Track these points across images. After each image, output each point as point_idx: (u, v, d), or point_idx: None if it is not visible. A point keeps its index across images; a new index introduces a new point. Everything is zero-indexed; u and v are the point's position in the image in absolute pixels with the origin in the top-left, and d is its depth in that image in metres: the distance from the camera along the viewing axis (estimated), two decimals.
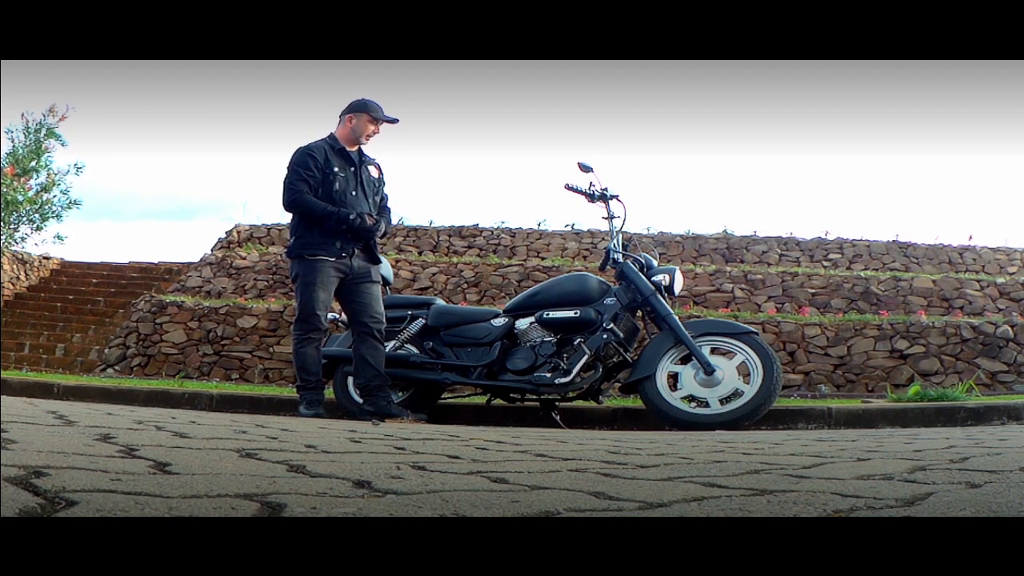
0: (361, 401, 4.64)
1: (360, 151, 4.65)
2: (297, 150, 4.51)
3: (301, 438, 2.32)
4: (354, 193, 4.51)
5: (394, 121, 4.63)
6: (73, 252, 17.98)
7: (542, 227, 12.67)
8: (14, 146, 12.94)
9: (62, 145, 13.39)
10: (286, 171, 4.49)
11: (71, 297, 11.59)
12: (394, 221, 4.88)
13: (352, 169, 4.56)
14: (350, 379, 4.94)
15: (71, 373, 8.67)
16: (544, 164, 30.48)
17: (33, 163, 12.99)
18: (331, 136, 4.60)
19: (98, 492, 1.12)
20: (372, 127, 4.56)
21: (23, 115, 13.21)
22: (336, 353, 4.90)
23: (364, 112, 4.55)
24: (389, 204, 4.81)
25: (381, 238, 4.70)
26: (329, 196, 4.43)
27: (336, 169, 4.48)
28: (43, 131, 13.22)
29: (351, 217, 4.39)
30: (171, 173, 31.65)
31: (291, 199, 4.44)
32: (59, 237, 13.22)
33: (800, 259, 11.92)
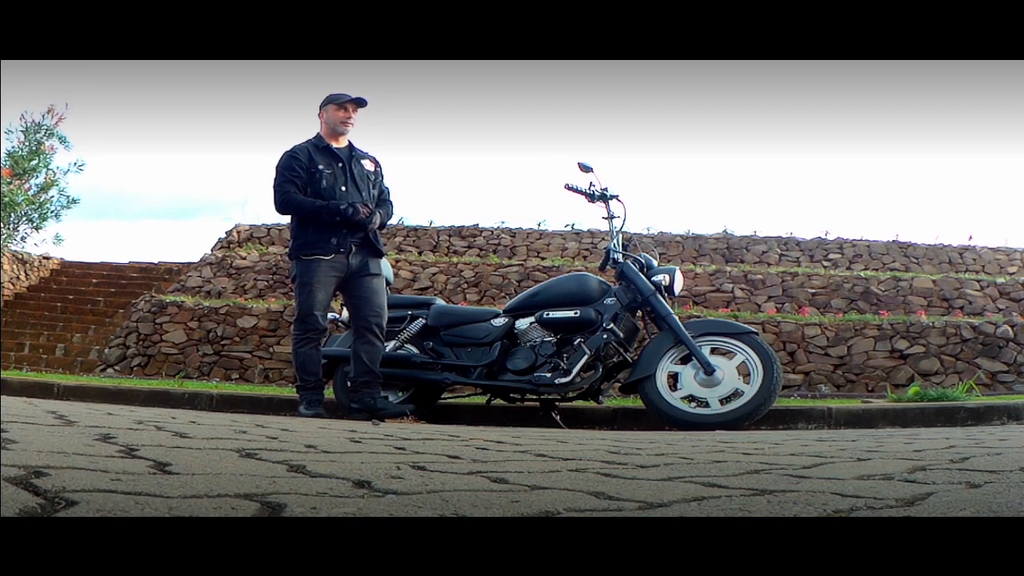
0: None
1: (351, 147, 4.67)
2: (282, 154, 4.57)
3: (301, 438, 2.32)
4: (343, 188, 4.50)
5: (360, 101, 4.62)
6: (74, 252, 17.98)
7: (542, 227, 12.67)
8: (13, 147, 12.95)
9: (65, 148, 13.42)
10: (274, 176, 4.57)
11: (71, 297, 11.60)
12: (394, 221, 4.86)
13: (340, 165, 4.57)
14: None
15: (71, 373, 8.67)
16: (544, 164, 30.49)
17: (33, 163, 13.00)
18: (316, 136, 4.65)
19: (98, 492, 1.12)
20: (341, 113, 4.58)
21: (22, 116, 13.23)
22: (336, 353, 4.89)
23: (329, 103, 4.61)
24: (391, 198, 4.81)
25: (380, 229, 4.70)
26: (318, 193, 4.47)
27: (321, 167, 4.50)
28: (43, 132, 13.22)
29: (342, 207, 4.40)
30: (175, 172, 31.70)
31: (281, 200, 4.51)
32: (58, 238, 13.26)
33: (800, 259, 11.92)
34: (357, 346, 4.51)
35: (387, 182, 4.83)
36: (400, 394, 4.92)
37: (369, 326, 4.51)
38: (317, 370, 4.53)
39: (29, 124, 13.15)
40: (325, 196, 4.45)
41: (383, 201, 4.73)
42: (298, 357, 4.54)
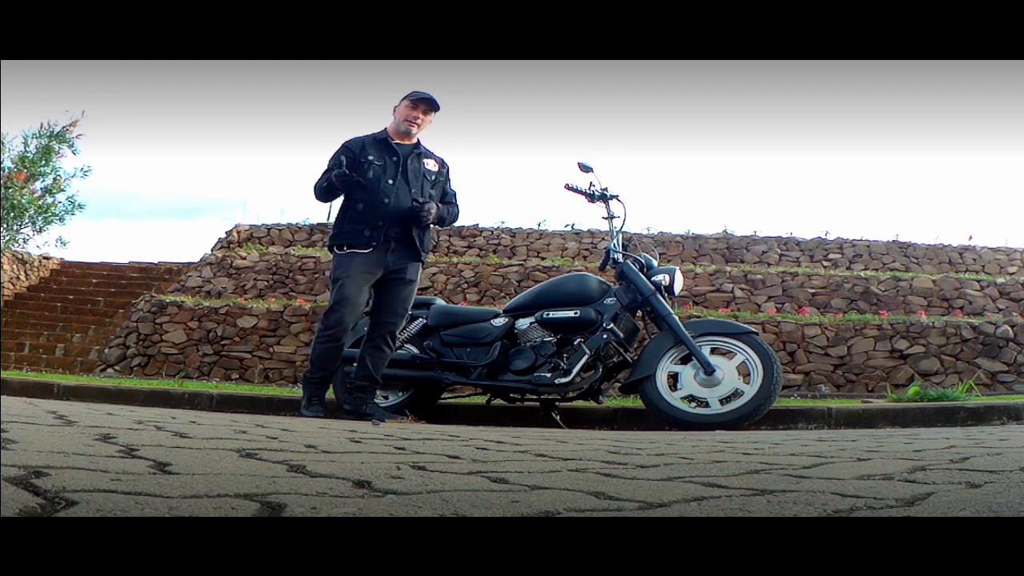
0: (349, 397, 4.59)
1: (417, 144, 4.59)
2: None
3: (301, 438, 2.32)
4: (391, 182, 4.42)
5: (431, 100, 4.52)
6: (75, 252, 17.98)
7: (542, 227, 12.68)
8: (25, 150, 13.00)
9: (74, 153, 13.49)
10: None
11: (71, 297, 11.60)
12: None
13: (394, 159, 4.49)
14: None
15: (71, 373, 8.67)
16: (544, 164, 30.51)
17: (42, 167, 13.06)
18: (382, 130, 4.61)
19: (98, 492, 1.12)
20: (411, 112, 4.50)
21: (46, 123, 13.33)
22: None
23: (405, 99, 4.54)
24: (457, 200, 4.72)
25: (440, 225, 4.66)
26: (361, 184, 4.39)
27: (372, 158, 4.44)
28: (53, 136, 13.29)
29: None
30: (176, 173, 31.75)
31: (314, 188, 4.53)
32: (61, 241, 13.27)
33: (800, 259, 11.92)
34: (366, 349, 4.47)
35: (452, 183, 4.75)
36: (400, 394, 4.92)
37: (384, 333, 4.47)
38: (331, 368, 4.49)
39: (44, 130, 13.23)
40: (370, 187, 4.39)
41: (446, 204, 4.64)
42: (315, 350, 4.52)
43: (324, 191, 4.52)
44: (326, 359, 4.45)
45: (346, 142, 4.54)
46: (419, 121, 4.52)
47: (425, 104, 4.51)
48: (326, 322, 4.45)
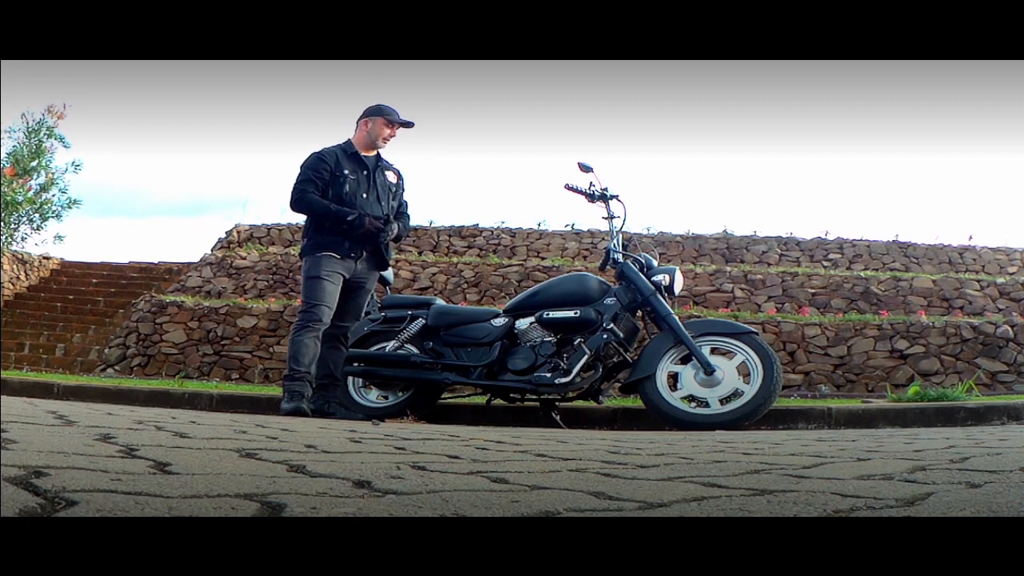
0: (316, 395, 4.60)
1: (378, 156, 4.73)
2: (310, 154, 4.63)
3: (301, 438, 2.32)
4: (365, 195, 4.57)
5: (409, 124, 4.70)
6: (79, 251, 17.94)
7: (542, 227, 12.68)
8: (15, 147, 12.95)
9: (64, 147, 13.44)
10: (297, 174, 4.62)
11: (71, 297, 11.60)
12: None
13: (365, 172, 4.62)
14: (350, 379, 4.95)
15: (71, 373, 8.67)
16: (544, 164, 30.52)
17: (34, 163, 13.01)
18: (347, 141, 4.71)
19: (98, 492, 1.12)
20: (388, 130, 4.64)
21: (23, 115, 13.23)
22: None
23: (379, 116, 4.64)
24: (408, 211, 4.88)
25: (395, 241, 4.80)
26: (339, 197, 4.51)
27: (346, 172, 4.55)
28: (43, 131, 13.24)
29: (350, 217, 4.45)
30: (177, 172, 31.80)
31: (296, 197, 4.57)
32: (59, 237, 13.24)
33: (800, 259, 11.92)
34: (325, 350, 4.54)
35: (405, 193, 4.91)
36: (400, 394, 4.93)
37: (341, 334, 4.63)
38: (310, 363, 4.45)
39: (31, 124, 13.17)
40: (346, 201, 4.50)
41: (401, 214, 4.80)
42: (293, 345, 4.47)
43: (314, 208, 4.52)
44: (303, 352, 4.42)
45: (320, 154, 4.60)
46: (392, 138, 4.67)
47: (403, 125, 4.67)
48: (307, 316, 4.46)
